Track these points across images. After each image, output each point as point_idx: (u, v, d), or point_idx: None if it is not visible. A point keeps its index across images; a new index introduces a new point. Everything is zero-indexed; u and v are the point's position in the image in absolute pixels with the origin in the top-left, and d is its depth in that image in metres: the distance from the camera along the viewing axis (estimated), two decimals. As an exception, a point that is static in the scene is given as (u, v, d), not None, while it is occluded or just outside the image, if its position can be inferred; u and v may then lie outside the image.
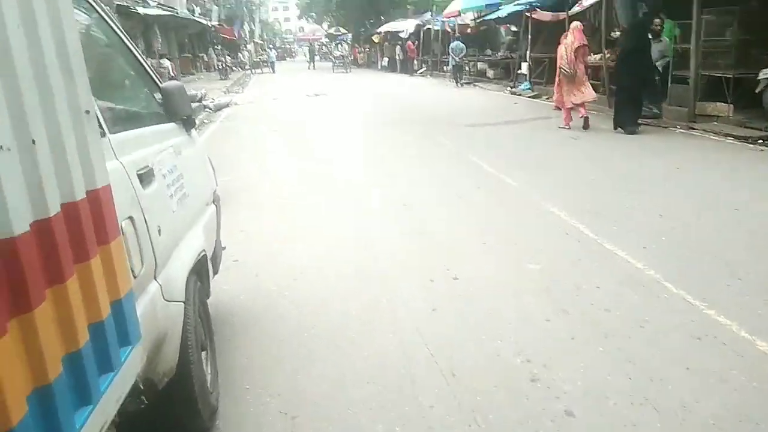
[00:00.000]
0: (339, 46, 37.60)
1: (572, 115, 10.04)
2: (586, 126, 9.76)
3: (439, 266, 4.17)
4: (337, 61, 35.57)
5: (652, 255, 4.18)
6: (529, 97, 16.02)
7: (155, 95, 2.78)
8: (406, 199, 5.98)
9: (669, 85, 11.22)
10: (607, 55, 12.66)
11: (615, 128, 9.57)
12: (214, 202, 3.26)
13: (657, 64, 9.24)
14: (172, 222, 2.33)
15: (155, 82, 2.83)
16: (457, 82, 21.51)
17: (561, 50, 10.05)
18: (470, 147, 8.70)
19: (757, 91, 9.14)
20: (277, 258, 4.54)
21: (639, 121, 9.63)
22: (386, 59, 35.40)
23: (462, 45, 21.77)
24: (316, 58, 46.19)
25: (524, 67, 17.98)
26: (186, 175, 2.64)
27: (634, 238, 4.55)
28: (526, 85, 17.32)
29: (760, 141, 8.36)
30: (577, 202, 5.58)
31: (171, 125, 2.76)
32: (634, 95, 9.60)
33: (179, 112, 2.81)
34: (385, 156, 8.47)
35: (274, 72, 36.14)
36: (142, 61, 2.74)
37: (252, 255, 4.63)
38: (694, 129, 9.43)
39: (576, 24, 10.42)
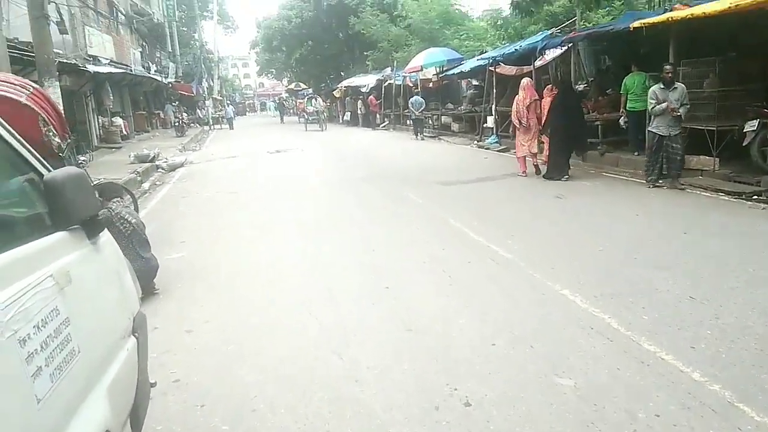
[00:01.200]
0: (313, 101, 31.80)
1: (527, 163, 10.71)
2: (537, 172, 10.62)
3: (441, 384, 3.23)
4: (310, 118, 30.58)
5: (704, 359, 3.35)
6: (498, 150, 15.55)
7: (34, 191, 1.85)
8: (386, 279, 5.07)
9: (647, 137, 10.84)
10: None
11: (546, 178, 10.21)
12: (134, 332, 2.27)
13: (680, 111, 8.58)
14: (37, 418, 1.35)
15: (37, 171, 1.89)
16: (417, 135, 21.40)
17: (514, 106, 10.83)
18: (448, 208, 7.92)
19: (744, 143, 8.73)
20: (229, 376, 3.52)
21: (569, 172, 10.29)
22: (348, 113, 35.08)
23: (421, 99, 21.81)
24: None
25: (490, 121, 17.63)
26: (77, 316, 1.69)
27: (673, 332, 3.73)
28: (493, 138, 16.90)
29: (755, 197, 7.85)
30: (588, 280, 4.77)
31: (57, 237, 1.81)
32: (564, 146, 10.32)
33: (74, 215, 1.87)
34: (357, 220, 7.58)
35: (231, 128, 34.73)
36: (12, 141, 1.81)
37: (197, 372, 3.60)
38: (681, 185, 8.92)
39: (525, 81, 11.02)
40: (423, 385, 3.23)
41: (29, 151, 1.89)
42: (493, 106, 17.28)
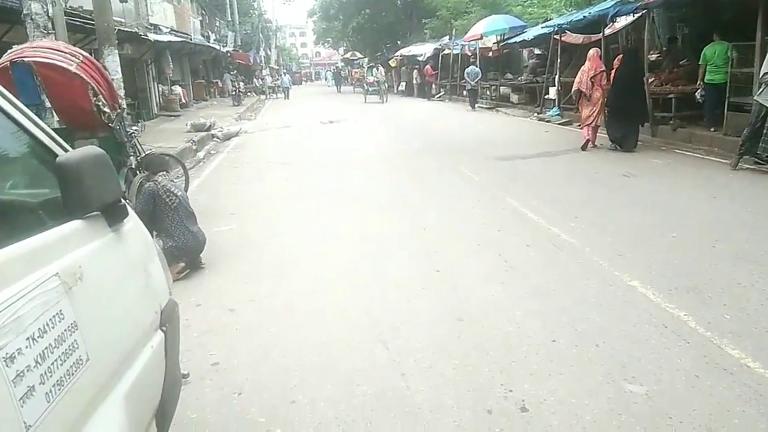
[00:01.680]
0: (374, 70, 29.97)
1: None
2: (584, 147, 10.28)
3: (495, 384, 2.95)
4: (370, 89, 28.69)
5: (801, 370, 2.93)
6: (559, 124, 14.83)
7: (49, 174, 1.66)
8: (438, 263, 4.78)
9: (725, 113, 10.01)
10: (651, 80, 11.49)
11: (611, 144, 10.15)
12: (161, 326, 2.09)
13: None
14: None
15: (51, 151, 1.70)
16: (472, 107, 20.94)
17: (578, 76, 10.49)
18: (505, 186, 7.51)
19: None
20: (269, 362, 3.36)
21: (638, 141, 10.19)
22: (404, 83, 34.50)
23: (477, 69, 21.42)
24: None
25: (552, 92, 16.82)
26: (88, 319, 1.49)
27: (760, 334, 3.30)
28: (555, 111, 16.13)
29: None
30: (661, 271, 4.34)
31: (70, 227, 1.61)
32: (628, 116, 10.05)
33: (91, 201, 1.67)
34: (409, 198, 7.30)
35: (287, 98, 34.50)
36: (20, 118, 1.62)
37: (238, 355, 3.45)
38: (760, 163, 8.15)
39: (592, 51, 10.56)
40: (474, 384, 2.96)
41: (42, 129, 1.69)
42: (557, 77, 16.44)
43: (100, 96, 4.95)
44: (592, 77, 10.21)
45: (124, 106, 11.59)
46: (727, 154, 9.11)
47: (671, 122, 11.46)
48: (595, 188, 7.25)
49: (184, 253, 4.94)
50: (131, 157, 5.67)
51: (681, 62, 12.55)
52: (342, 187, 8.25)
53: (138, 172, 6.57)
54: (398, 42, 41.43)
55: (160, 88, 22.82)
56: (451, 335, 3.52)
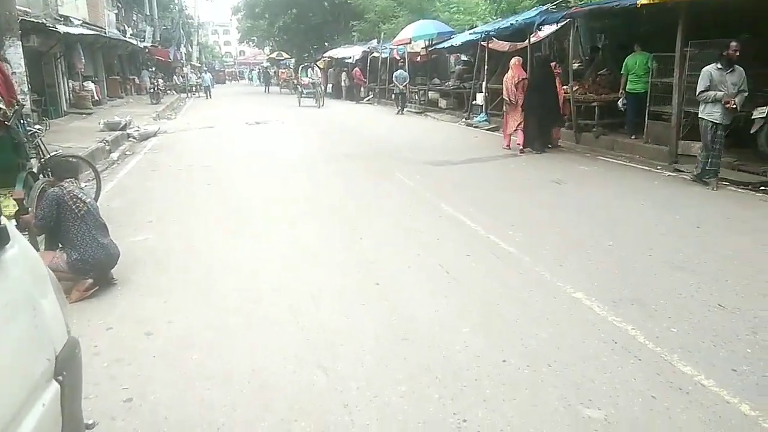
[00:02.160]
0: (309, 71, 27.68)
1: (511, 140, 11.17)
2: (522, 151, 10.71)
3: (447, 414, 2.71)
4: (305, 91, 25.92)
5: (751, 386, 2.88)
6: (487, 129, 14.99)
7: None
8: (377, 275, 4.51)
9: (646, 121, 10.39)
10: (575, 88, 11.80)
11: (524, 147, 10.73)
12: (56, 376, 1.67)
13: (735, 103, 7.12)
14: None
15: None
16: (399, 110, 21.07)
17: (504, 83, 11.19)
18: (439, 192, 7.37)
19: (752, 131, 8.31)
20: (192, 394, 2.95)
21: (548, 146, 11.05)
22: (331, 85, 34.10)
23: (405, 74, 21.65)
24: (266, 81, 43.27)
25: (479, 98, 17.02)
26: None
27: (708, 348, 3.26)
28: (482, 116, 16.32)
29: (762, 188, 7.45)
30: (603, 281, 4.28)
31: None
32: (541, 121, 10.82)
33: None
34: (343, 205, 6.99)
35: (209, 97, 32.68)
36: None
37: (155, 388, 3.03)
38: (681, 171, 8.48)
39: (514, 60, 11.34)
40: (425, 414, 2.71)
41: None
42: (484, 83, 16.65)
43: (-7, 90, 4.33)
44: (515, 84, 10.89)
45: (26, 102, 10.60)
46: (648, 161, 9.46)
47: (594, 129, 11.80)
48: (528, 195, 7.23)
49: (92, 267, 4.40)
50: (32, 159, 5.02)
51: (602, 71, 13.00)
52: (270, 193, 7.83)
53: (42, 175, 5.89)
54: (326, 43, 40.99)
55: (70, 84, 21.28)
56: (396, 357, 3.25)
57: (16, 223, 4.58)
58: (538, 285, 4.24)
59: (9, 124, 4.48)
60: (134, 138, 14.38)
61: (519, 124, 10.91)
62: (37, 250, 4.59)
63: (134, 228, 6.13)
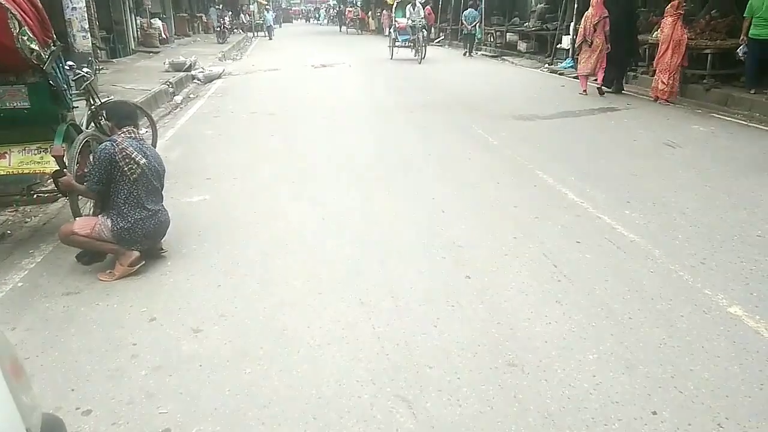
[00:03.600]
0: (409, 8, 18.46)
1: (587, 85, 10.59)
2: (601, 93, 10.37)
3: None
4: (400, 38, 18.70)
5: None
6: (574, 77, 13.52)
7: None
8: (467, 266, 3.71)
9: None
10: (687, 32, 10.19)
11: (603, 86, 10.42)
12: None
13: None
14: None
15: None
16: (467, 53, 19.90)
17: (582, 22, 10.53)
18: (531, 155, 6.38)
19: None
20: (238, 428, 2.31)
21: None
22: (399, 26, 32.43)
23: (475, 13, 20.12)
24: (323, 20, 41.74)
25: (566, 41, 15.41)
26: None
27: None
28: (568, 62, 14.78)
29: None
30: (763, 291, 3.31)
31: None
32: (620, 59, 10.56)
33: None
34: (419, 168, 6.14)
35: (270, 38, 31.46)
36: None
37: (198, 415, 2.40)
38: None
39: None
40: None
41: None
42: (571, 24, 15.00)
43: (25, 28, 3.68)
44: (595, 23, 10.22)
45: (87, 40, 10.16)
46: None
47: (705, 81, 10.27)
48: (639, 161, 6.12)
49: (140, 237, 3.81)
50: (72, 110, 4.42)
51: (716, 12, 11.23)
52: (337, 149, 7.06)
53: (94, 125, 5.34)
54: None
55: (138, 21, 20.97)
56: (502, 394, 2.48)
57: (54, 185, 4.04)
58: (679, 292, 3.31)
59: (44, 67, 3.84)
60: (199, 80, 13.89)
61: (597, 66, 10.45)
62: (79, 215, 4.04)
63: (190, 186, 5.56)
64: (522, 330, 2.95)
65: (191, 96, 11.88)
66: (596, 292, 3.33)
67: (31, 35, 3.75)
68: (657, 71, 9.87)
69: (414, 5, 18.16)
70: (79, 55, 9.81)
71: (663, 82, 9.70)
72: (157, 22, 22.30)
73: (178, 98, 11.32)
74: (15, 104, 3.97)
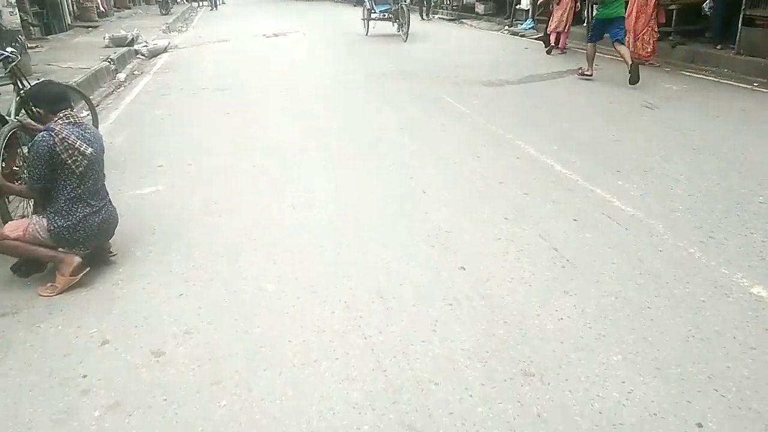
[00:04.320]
0: None
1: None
2: (563, 52, 10.61)
3: None
4: (379, 8, 14.34)
5: None
6: (535, 38, 13.22)
7: None
8: (459, 253, 3.36)
9: (739, 28, 8.68)
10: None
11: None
12: None
13: None
14: None
15: None
16: (423, 15, 19.07)
17: None
18: (506, 123, 6.03)
19: None
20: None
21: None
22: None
23: None
24: None
25: (524, 2, 15.06)
26: None
27: None
28: (528, 23, 14.48)
29: None
30: (778, 264, 3.07)
31: None
32: None
33: None
34: (391, 141, 5.72)
35: (216, 8, 28.58)
36: None
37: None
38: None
39: None
40: None
41: None
42: (530, -16, 14.62)
43: None
44: None
45: (15, 16, 9.23)
46: (740, 76, 7.91)
47: (670, 38, 10.10)
48: (620, 125, 5.85)
49: (82, 238, 3.30)
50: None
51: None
52: (298, 124, 6.54)
53: (25, 112, 4.68)
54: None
55: (69, -13, 19.50)
56: (524, 412, 2.14)
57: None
58: (694, 272, 3.04)
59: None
60: (143, 55, 12.95)
61: (566, 23, 10.47)
62: (8, 219, 3.49)
63: (140, 175, 5.00)
64: (532, 330, 2.62)
65: (135, 73, 11.02)
66: (605, 278, 3.02)
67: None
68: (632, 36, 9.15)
69: None
70: (7, 33, 8.89)
71: (641, 45, 9.12)
72: (94, -7, 20.83)
73: (121, 76, 10.47)
74: None
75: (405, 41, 13.13)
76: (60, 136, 3.17)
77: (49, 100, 3.33)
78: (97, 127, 5.52)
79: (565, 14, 10.54)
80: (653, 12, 8.91)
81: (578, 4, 11.18)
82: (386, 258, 3.34)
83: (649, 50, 9.06)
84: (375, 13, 14.42)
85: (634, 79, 7.39)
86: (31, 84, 4.84)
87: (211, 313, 2.92)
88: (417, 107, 7.10)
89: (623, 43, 7.92)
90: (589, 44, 8.44)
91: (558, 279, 3.03)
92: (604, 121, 6.03)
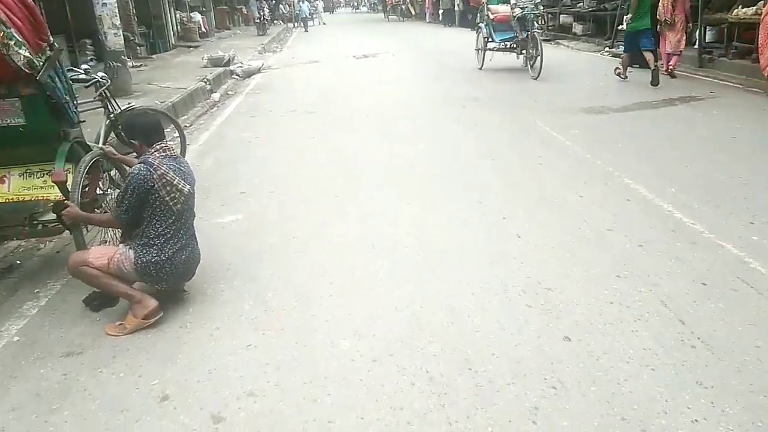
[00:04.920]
0: None
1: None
2: (673, 76, 9.71)
3: None
4: (499, 37, 11.47)
5: None
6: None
7: None
8: (559, 315, 2.88)
9: None
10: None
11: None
12: None
13: None
14: None
15: None
16: None
17: (660, 1, 9.73)
18: (613, 157, 5.44)
19: None
20: None
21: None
22: (441, 11, 31.21)
23: None
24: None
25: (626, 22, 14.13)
26: None
27: None
28: (631, 45, 13.55)
29: None
30: None
31: None
32: None
33: None
34: (478, 173, 5.31)
35: (306, 30, 29.30)
36: None
37: None
38: None
39: None
40: None
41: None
42: (632, 2, 13.70)
43: (12, 30, 3.02)
44: (673, 2, 9.58)
45: (120, 38, 9.65)
46: None
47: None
48: (746, 165, 5.10)
49: (167, 275, 3.14)
50: (79, 124, 3.76)
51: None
52: (385, 154, 6.26)
53: (115, 135, 4.70)
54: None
55: (177, 15, 20.65)
56: None
57: (56, 221, 3.40)
58: None
59: (39, 78, 3.18)
60: (237, 75, 13.32)
61: (679, 44, 9.78)
62: (84, 247, 3.38)
63: (222, 202, 4.89)
64: (659, 433, 2.12)
65: (229, 93, 11.29)
66: (749, 367, 2.45)
67: (20, 39, 3.09)
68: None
69: None
70: (111, 53, 9.33)
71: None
72: (197, 16, 21.96)
73: (215, 96, 10.74)
74: (9, 121, 3.33)
75: (536, 78, 10.12)
76: (159, 172, 3.04)
77: (144, 132, 3.21)
78: (185, 153, 5.55)
79: (681, 35, 9.82)
80: None
81: (690, 24, 10.30)
82: (476, 319, 2.93)
83: None
84: (493, 41, 11.52)
85: (654, 82, 8.84)
86: (121, 108, 4.88)
87: (279, 371, 2.62)
88: (509, 135, 6.64)
89: (651, 51, 9.25)
90: (624, 54, 9.85)
91: (688, 363, 2.49)
92: (728, 158, 5.30)
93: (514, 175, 5.19)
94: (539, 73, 10.22)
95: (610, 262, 3.43)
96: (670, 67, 9.89)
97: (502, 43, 11.46)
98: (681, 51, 9.98)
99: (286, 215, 4.55)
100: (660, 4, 9.79)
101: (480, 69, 11.79)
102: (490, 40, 11.56)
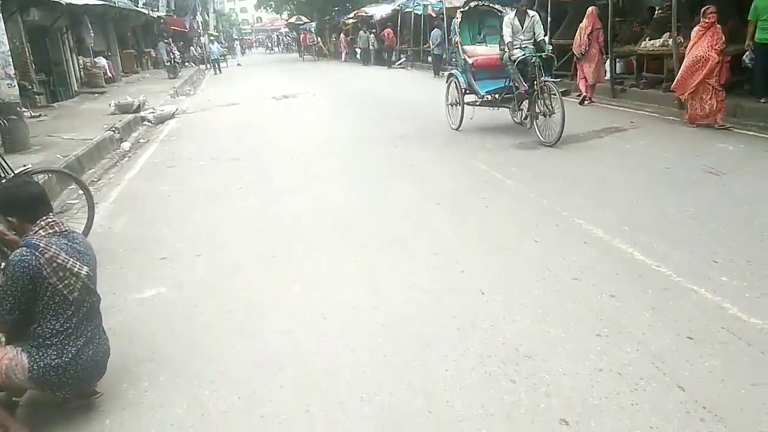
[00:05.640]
0: (517, 19, 7.93)
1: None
2: (581, 103, 10.45)
3: None
4: (484, 88, 8.43)
5: None
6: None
7: None
8: (546, 392, 2.54)
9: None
10: (679, 40, 9.37)
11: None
12: None
13: None
14: None
15: None
16: (436, 74, 18.87)
17: (577, 36, 10.46)
18: (557, 196, 5.28)
19: None
20: None
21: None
22: (358, 50, 31.52)
23: (439, 32, 19.15)
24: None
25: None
26: None
27: None
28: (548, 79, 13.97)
29: None
30: None
31: None
32: None
33: None
34: (424, 221, 4.98)
35: (218, 72, 28.03)
36: None
37: None
38: None
39: (591, 8, 10.46)
40: None
41: None
42: (545, 38, 14.20)
43: None
44: (589, 34, 10.21)
45: (14, 87, 8.74)
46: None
47: (708, 92, 9.49)
48: (688, 197, 5.09)
49: (73, 380, 2.55)
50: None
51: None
52: (321, 203, 5.83)
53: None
54: (347, 5, 38.11)
55: (80, 61, 19.43)
56: None
57: None
58: None
59: None
60: (149, 121, 12.49)
61: (598, 74, 10.49)
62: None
63: (140, 272, 4.26)
64: None
65: (141, 141, 10.51)
66: (768, 440, 2.19)
67: None
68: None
69: (522, 15, 8.10)
70: (4, 105, 8.39)
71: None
72: (102, 61, 20.77)
73: (125, 145, 9.93)
74: None
75: (552, 145, 7.24)
76: (47, 255, 2.46)
77: (24, 206, 2.62)
78: (92, 216, 4.87)
79: (599, 66, 10.57)
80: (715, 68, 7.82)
81: (604, 56, 10.82)
82: (457, 404, 2.52)
83: (706, 110, 7.89)
84: (478, 95, 8.56)
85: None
86: (14, 171, 4.18)
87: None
88: (448, 177, 6.39)
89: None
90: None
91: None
92: (669, 191, 5.28)
93: (463, 221, 4.90)
94: (559, 138, 7.15)
95: (586, 317, 3.15)
96: (588, 97, 10.44)
97: (489, 96, 8.44)
98: (598, 81, 10.70)
99: (217, 285, 3.99)
100: (576, 37, 10.52)
101: (457, 129, 8.89)
102: (468, 92, 8.73)
